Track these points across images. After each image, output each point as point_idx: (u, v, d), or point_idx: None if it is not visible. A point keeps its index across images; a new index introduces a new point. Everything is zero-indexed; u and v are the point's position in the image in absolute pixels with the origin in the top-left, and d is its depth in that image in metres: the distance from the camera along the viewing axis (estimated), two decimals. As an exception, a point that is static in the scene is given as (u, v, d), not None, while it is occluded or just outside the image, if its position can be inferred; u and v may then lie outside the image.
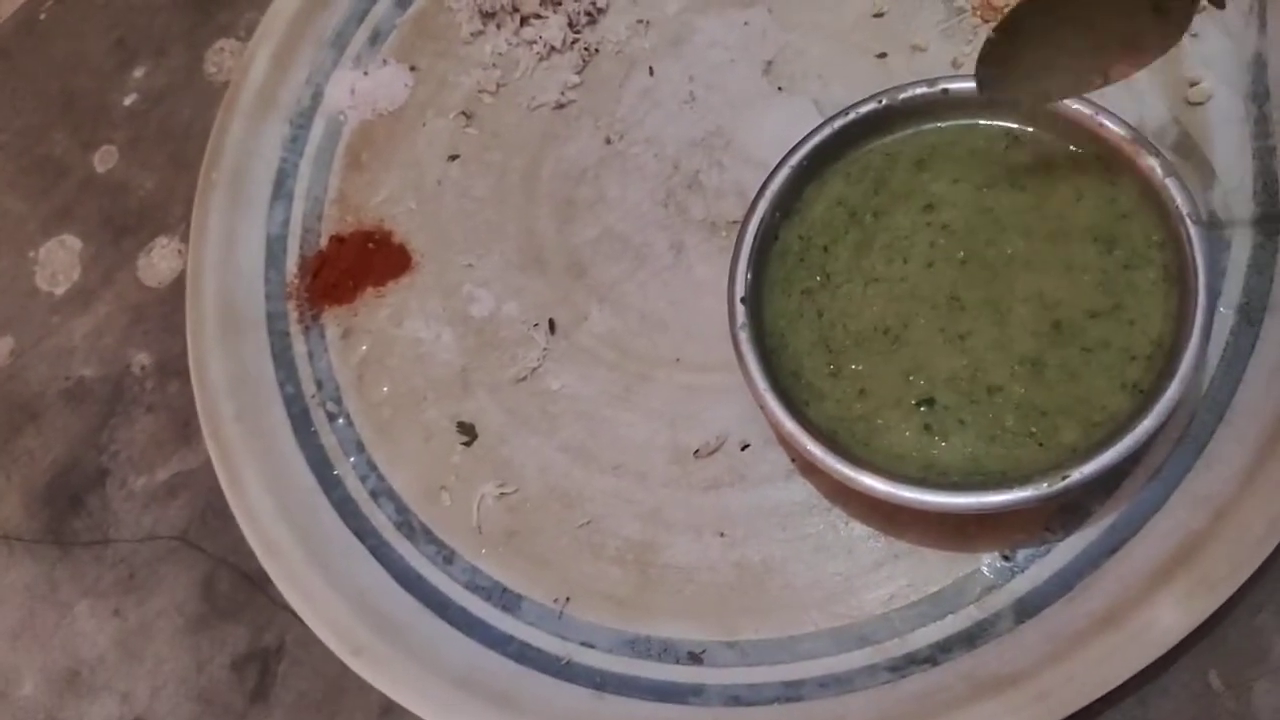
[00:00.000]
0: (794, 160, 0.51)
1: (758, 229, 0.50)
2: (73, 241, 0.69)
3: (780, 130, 0.55)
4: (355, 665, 0.51)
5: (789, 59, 0.59)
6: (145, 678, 0.57)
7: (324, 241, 0.63)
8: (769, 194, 0.50)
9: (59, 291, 0.68)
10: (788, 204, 0.51)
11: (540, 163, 0.61)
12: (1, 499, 0.63)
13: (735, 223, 0.56)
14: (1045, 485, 0.43)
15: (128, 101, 0.72)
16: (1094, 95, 0.47)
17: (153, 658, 0.57)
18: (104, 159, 0.71)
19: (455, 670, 0.50)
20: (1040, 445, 0.45)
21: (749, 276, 0.49)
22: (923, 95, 0.50)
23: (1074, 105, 0.48)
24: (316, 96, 0.66)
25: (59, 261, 0.69)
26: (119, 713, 0.56)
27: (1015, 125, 0.50)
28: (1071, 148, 0.49)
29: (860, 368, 0.48)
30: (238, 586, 0.57)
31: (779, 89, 0.58)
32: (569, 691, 0.50)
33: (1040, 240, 0.47)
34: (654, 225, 0.58)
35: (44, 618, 0.59)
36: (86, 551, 0.60)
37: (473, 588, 0.53)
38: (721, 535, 0.51)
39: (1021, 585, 0.47)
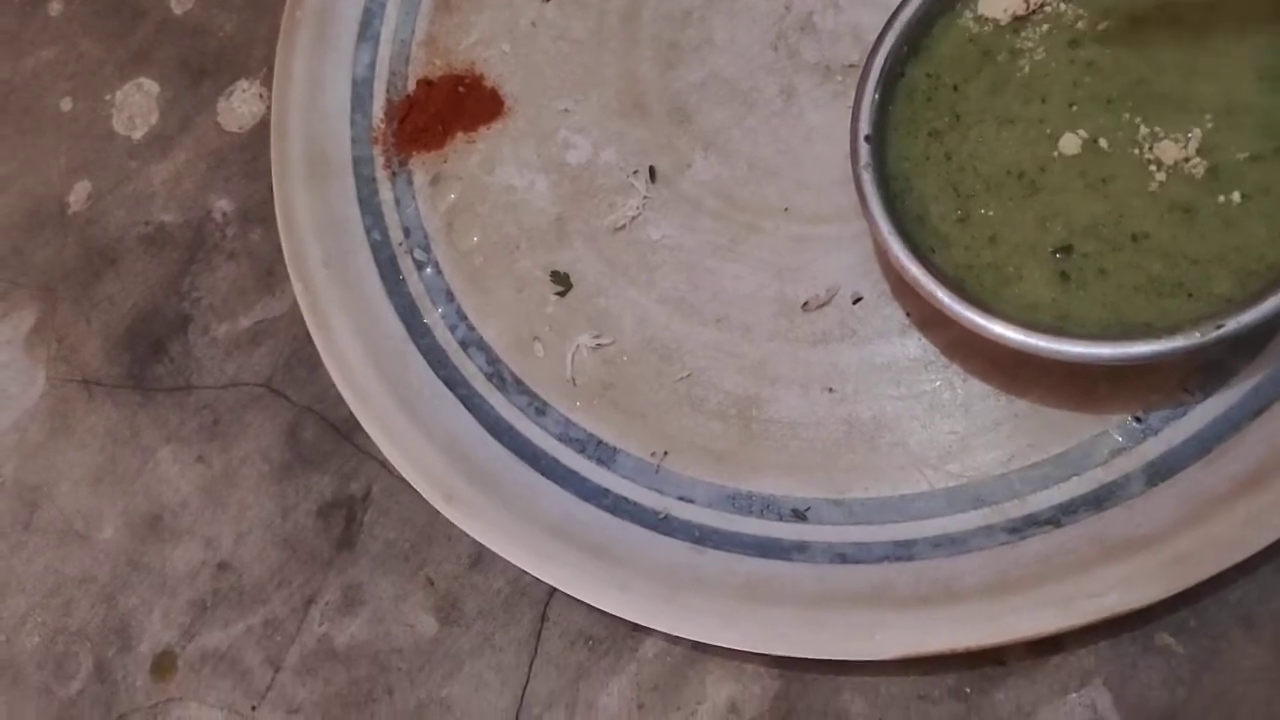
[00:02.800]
0: (923, -7, 0.47)
1: (884, 63, 0.47)
2: (150, 85, 0.67)
3: (903, -33, 0.51)
4: (447, 511, 0.49)
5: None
6: (229, 524, 0.56)
7: (411, 85, 0.60)
8: (897, 26, 0.47)
9: (137, 136, 0.66)
10: (916, 39, 0.47)
11: (641, 3, 0.58)
12: (81, 344, 0.62)
13: (851, 66, 0.53)
14: (1198, 335, 0.40)
15: (206, -59, 0.69)
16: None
17: (237, 504, 0.56)
18: (181, 1, 0.68)
19: (549, 519, 0.49)
20: (1190, 296, 0.41)
21: (874, 115, 0.46)
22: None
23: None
24: (403, -66, 0.63)
25: (136, 105, 0.67)
26: (202, 557, 0.56)
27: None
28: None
29: (991, 213, 0.45)
30: (323, 434, 0.56)
31: (902, -75, 0.54)
32: (667, 545, 0.48)
33: (1198, 78, 0.44)
34: (763, 69, 0.55)
35: (126, 462, 0.59)
36: (169, 397, 0.59)
37: (566, 440, 0.51)
38: (830, 390, 0.49)
39: (1154, 448, 0.44)
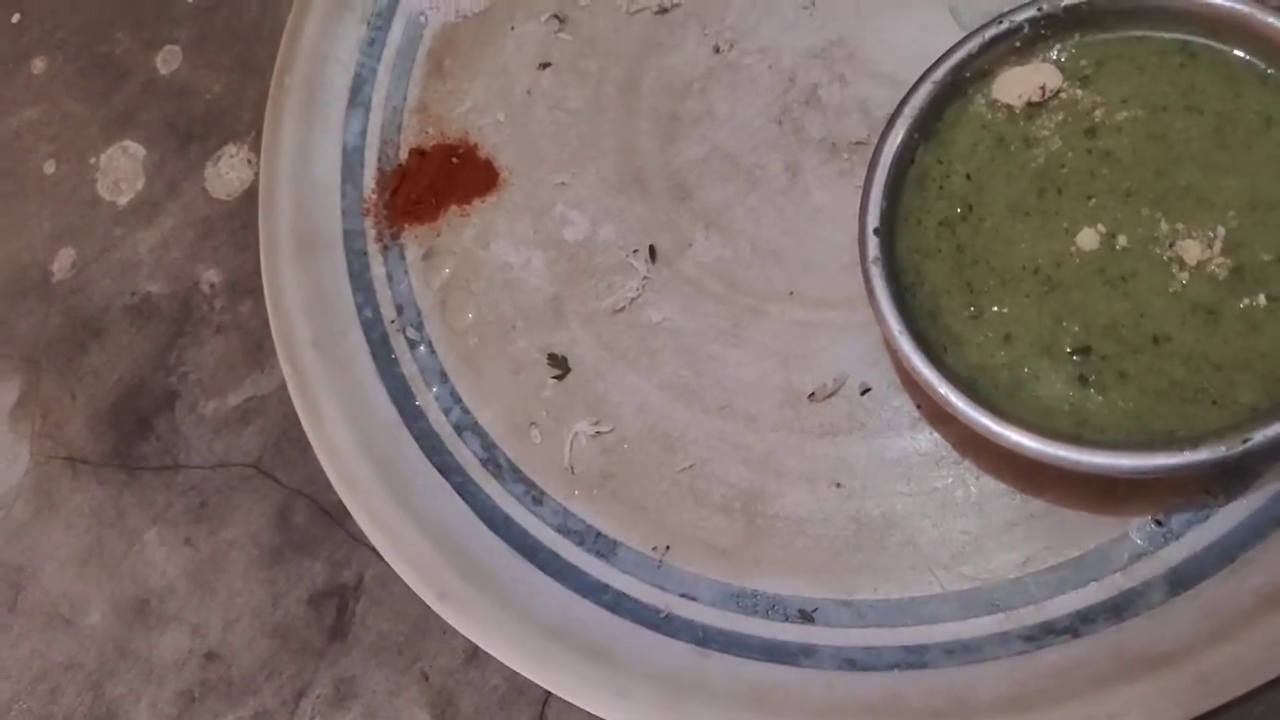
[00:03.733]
0: (937, 75, 0.45)
1: (894, 152, 0.45)
2: (136, 148, 0.65)
3: (911, 41, 0.50)
4: (441, 610, 0.48)
5: (921, -41, 0.53)
6: (218, 610, 0.54)
7: (404, 155, 0.58)
8: (908, 112, 0.45)
9: (122, 201, 0.64)
10: (927, 125, 0.46)
11: (640, 73, 0.56)
12: (66, 419, 0.60)
13: (858, 143, 0.51)
14: (1223, 448, 0.38)
15: (192, -2, 0.68)
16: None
17: (225, 590, 0.54)
18: (167, 60, 0.67)
19: (547, 618, 0.47)
20: (1214, 403, 0.40)
21: (883, 205, 0.44)
22: (1087, 2, 0.44)
23: (1259, 13, 0.42)
24: (395, -5, 0.61)
25: (122, 169, 0.65)
26: (190, 645, 0.54)
27: (1192, 37, 0.44)
28: (1257, 63, 0.43)
29: (1006, 310, 0.43)
30: (314, 519, 0.54)
31: (910, -6, 0.53)
32: (669, 646, 0.46)
33: (1220, 172, 0.42)
34: (767, 145, 0.53)
35: (112, 544, 0.57)
36: (156, 477, 0.57)
37: (564, 531, 0.50)
38: (838, 486, 0.47)
39: (1176, 554, 0.42)
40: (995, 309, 0.43)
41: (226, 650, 0.54)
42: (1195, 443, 0.39)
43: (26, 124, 0.68)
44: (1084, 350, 0.42)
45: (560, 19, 0.58)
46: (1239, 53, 0.43)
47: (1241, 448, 0.38)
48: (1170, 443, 0.39)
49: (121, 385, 0.60)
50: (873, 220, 0.44)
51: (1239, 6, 0.43)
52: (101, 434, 0.59)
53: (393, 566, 0.49)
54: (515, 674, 0.49)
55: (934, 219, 0.45)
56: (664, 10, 0.57)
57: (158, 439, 0.58)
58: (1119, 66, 0.44)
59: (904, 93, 0.46)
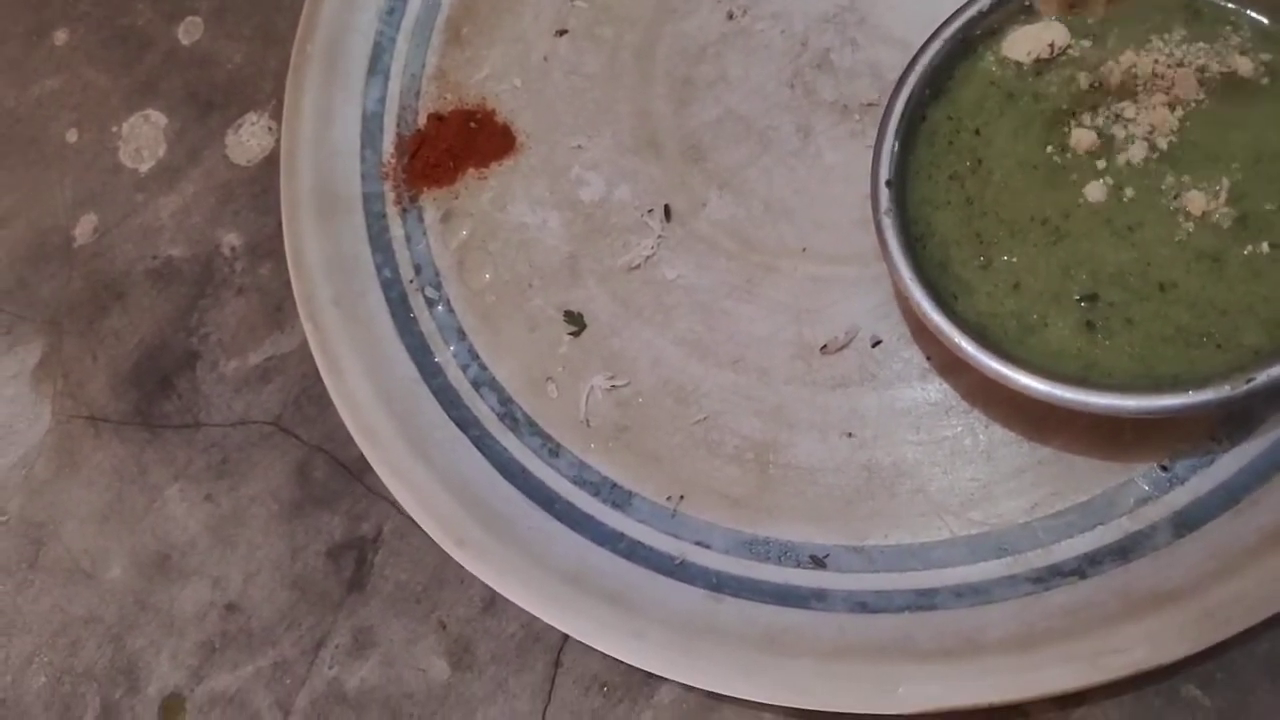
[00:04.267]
0: (947, 33, 0.47)
1: (905, 107, 0.46)
2: (158, 117, 0.66)
3: (921, 4, 0.51)
4: (460, 557, 0.49)
5: (933, -75, 0.54)
6: (238, 564, 0.55)
7: (422, 120, 0.59)
8: (918, 69, 0.46)
9: (144, 168, 0.65)
10: (938, 81, 0.47)
11: (656, 39, 0.57)
12: (88, 379, 0.61)
13: (869, 105, 0.52)
14: (1227, 388, 0.39)
15: (213, -30, 0.69)
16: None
17: (245, 544, 0.55)
18: (189, 30, 0.68)
19: (564, 565, 0.48)
20: (1218, 347, 0.41)
21: (895, 158, 0.46)
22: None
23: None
24: (414, -34, 0.62)
25: (144, 137, 0.66)
26: (210, 598, 0.55)
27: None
28: (1261, 19, 0.44)
29: (1014, 260, 0.44)
30: (333, 474, 0.55)
31: (919, -39, 0.54)
32: (683, 591, 0.47)
33: (1224, 126, 0.43)
34: (779, 107, 0.54)
35: (133, 501, 0.58)
36: (177, 435, 0.58)
37: (580, 483, 0.51)
38: (849, 435, 0.48)
39: (1181, 497, 0.44)
40: (1004, 258, 0.44)
41: (246, 602, 0.54)
42: (1200, 384, 0.40)
43: (49, 93, 0.69)
44: (1091, 297, 0.43)
45: (577, -13, 0.60)
46: (1243, 9, 0.44)
47: (1245, 387, 0.39)
48: (1175, 385, 0.40)
49: (143, 346, 0.61)
50: (885, 173, 0.45)
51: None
52: (123, 393, 0.60)
53: (412, 516, 0.50)
54: (531, 621, 0.50)
55: (944, 172, 0.46)
56: (679, -22, 0.58)
57: (179, 398, 0.59)
58: (1126, 24, 0.46)
59: (913, 54, 0.47)
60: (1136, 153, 0.43)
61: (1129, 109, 0.44)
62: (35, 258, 0.65)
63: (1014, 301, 0.44)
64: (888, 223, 0.45)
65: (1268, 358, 0.39)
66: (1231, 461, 0.43)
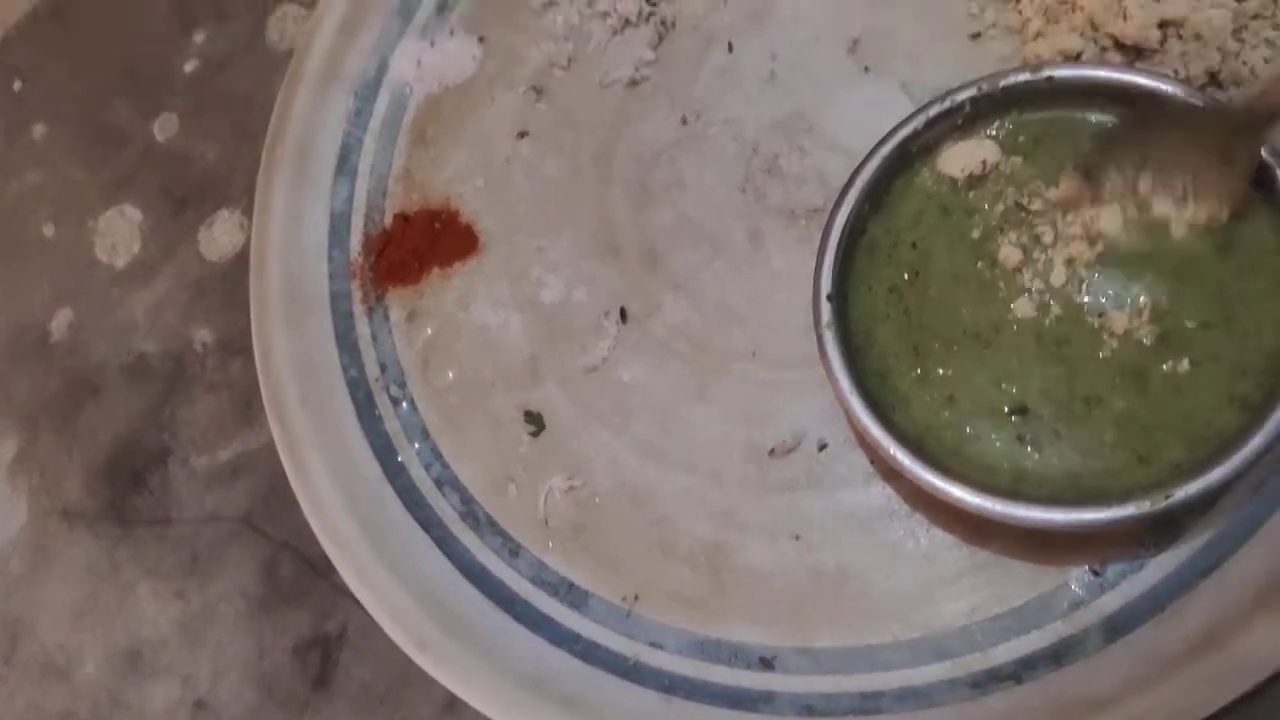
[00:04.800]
0: (885, 150, 0.48)
1: (846, 222, 0.48)
2: (133, 212, 0.68)
3: (865, 114, 0.53)
4: (420, 660, 0.50)
5: (876, 37, 0.56)
6: (207, 661, 0.56)
7: (388, 219, 0.61)
8: (859, 184, 0.48)
9: (119, 264, 0.67)
10: (877, 196, 0.49)
11: (613, 142, 0.59)
12: (62, 475, 0.62)
13: (816, 211, 0.54)
14: (1148, 504, 0.41)
15: (189, 68, 0.71)
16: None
17: (215, 641, 0.57)
18: (164, 127, 0.70)
19: (522, 668, 0.49)
20: (1141, 460, 0.43)
21: (836, 271, 0.47)
22: (1025, 83, 0.47)
23: (1182, 93, 0.45)
24: (382, 68, 0.64)
25: (119, 232, 0.68)
26: (181, 695, 0.56)
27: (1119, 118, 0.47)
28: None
29: (949, 373, 0.46)
30: (300, 572, 0.57)
31: (865, 69, 0.56)
32: (637, 693, 0.49)
33: (1145, 247, 0.45)
34: (731, 212, 0.56)
35: (106, 597, 0.59)
36: (148, 531, 0.60)
37: (539, 583, 0.52)
38: (796, 538, 0.50)
39: (1111, 602, 0.45)
40: (939, 371, 0.46)
41: (215, 700, 0.56)
42: (1123, 498, 0.41)
43: (28, 188, 0.71)
44: (1021, 410, 0.44)
45: (538, 90, 0.61)
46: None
47: (1164, 504, 0.41)
48: (1100, 498, 0.42)
49: (117, 442, 0.62)
50: (825, 286, 0.47)
51: (1163, 86, 0.46)
52: (97, 489, 0.62)
53: (374, 617, 0.52)
54: (491, 721, 0.51)
55: (883, 285, 0.48)
56: (634, 83, 0.60)
57: (151, 493, 0.60)
58: (1054, 142, 0.47)
59: (858, 163, 0.49)
60: (1058, 276, 0.45)
61: (1048, 234, 0.46)
62: (13, 354, 0.66)
63: (949, 414, 0.45)
64: (828, 336, 0.47)
65: (1187, 473, 0.41)
66: (1160, 567, 0.45)
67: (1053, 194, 0.46)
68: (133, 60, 0.73)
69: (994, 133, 0.48)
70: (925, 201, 0.49)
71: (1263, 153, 0.43)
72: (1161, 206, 0.45)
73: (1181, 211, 0.44)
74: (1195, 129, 0.44)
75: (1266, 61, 0.50)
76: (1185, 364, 0.43)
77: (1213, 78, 0.50)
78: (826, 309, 0.47)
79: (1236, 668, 0.41)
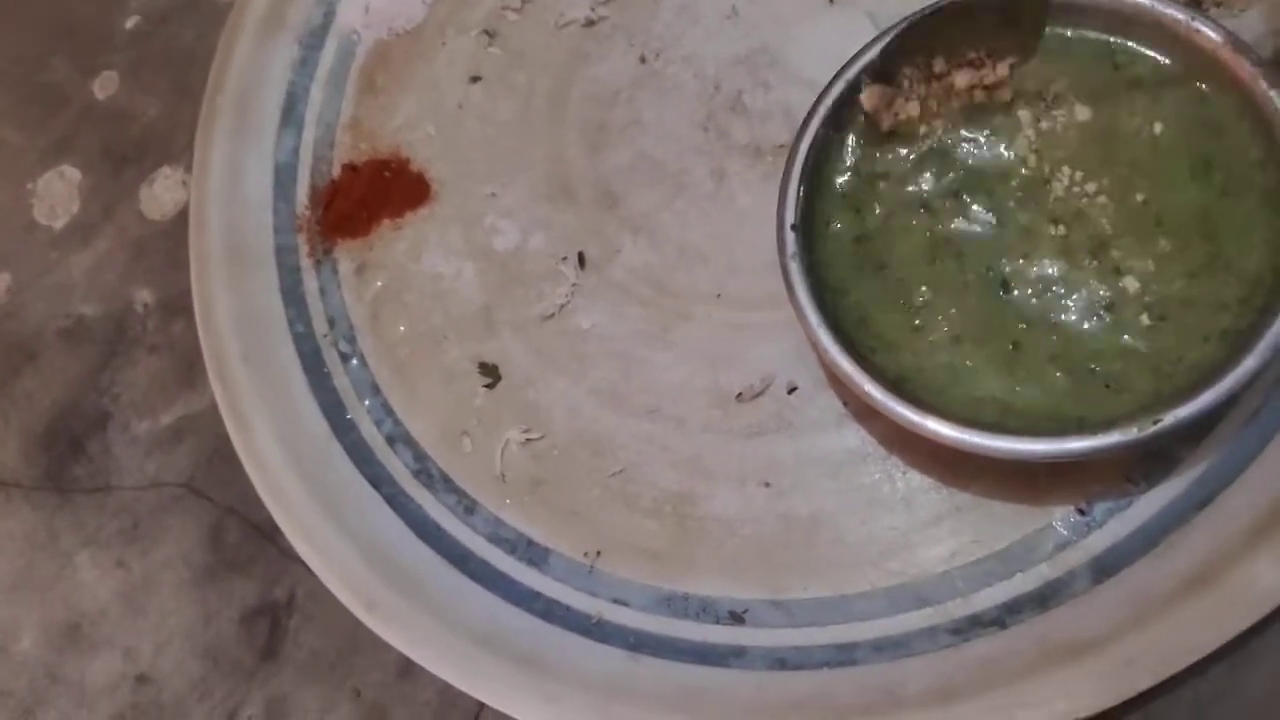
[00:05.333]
0: (850, 74, 0.46)
1: (810, 147, 0.45)
2: (72, 173, 0.65)
3: (831, 46, 0.50)
4: (369, 621, 0.47)
5: (841, -33, 0.54)
6: (149, 632, 0.53)
7: (336, 170, 0.58)
8: (822, 109, 0.46)
9: (58, 225, 0.64)
10: (841, 120, 0.46)
11: (569, 84, 0.56)
12: (-1, 443, 0.59)
13: (782, 147, 0.52)
14: (1134, 430, 0.38)
15: (129, 24, 0.68)
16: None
17: (157, 611, 0.54)
18: (104, 85, 0.67)
19: (478, 628, 0.47)
20: (1106, 387, 0.40)
21: (800, 201, 0.45)
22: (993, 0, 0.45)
23: (1164, 8, 0.43)
24: (328, 15, 0.61)
25: (58, 194, 0.65)
26: (122, 669, 0.53)
27: (1094, 34, 0.45)
28: (1158, 58, 0.44)
29: (952, 312, 0.44)
30: (246, 537, 0.54)
31: (829, 1, 0.53)
32: (601, 652, 0.46)
33: (1122, 167, 0.43)
34: (693, 150, 0.53)
35: (43, 568, 0.56)
36: (88, 499, 0.57)
37: (496, 540, 0.49)
38: (766, 485, 0.47)
39: (1099, 542, 0.43)
40: (939, 316, 0.44)
41: (158, 673, 0.53)
42: (1108, 426, 0.39)
43: (-37, 152, 0.67)
44: (1016, 344, 0.42)
45: (490, 34, 0.59)
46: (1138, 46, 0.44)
47: (1153, 429, 0.38)
48: (1083, 427, 0.39)
49: (55, 408, 0.59)
50: (790, 217, 0.45)
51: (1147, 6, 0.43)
52: (34, 457, 0.58)
53: (321, 578, 0.49)
54: (448, 686, 0.48)
55: (850, 235, 0.46)
56: (591, 23, 0.57)
57: (90, 461, 0.57)
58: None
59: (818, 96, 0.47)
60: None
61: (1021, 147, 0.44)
62: (-54, 320, 0.63)
63: (948, 355, 0.43)
64: (795, 267, 0.44)
65: (1173, 400, 0.39)
66: (1149, 504, 0.42)
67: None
68: (71, 18, 0.70)
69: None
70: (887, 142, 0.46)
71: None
72: (962, 79, 0.44)
73: (982, 73, 0.44)
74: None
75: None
76: (1155, 317, 0.41)
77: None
78: (792, 239, 0.45)
79: (1233, 604, 0.39)
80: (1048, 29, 0.45)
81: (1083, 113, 0.44)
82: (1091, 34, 0.45)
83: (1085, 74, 0.44)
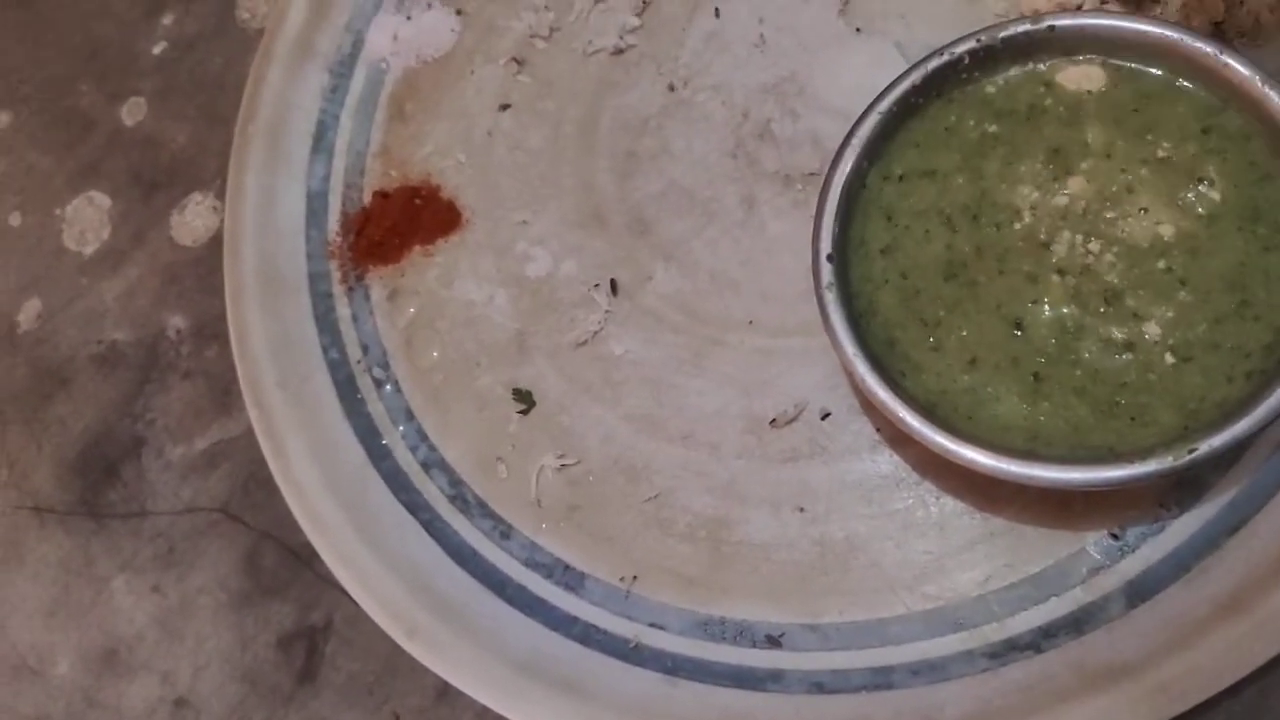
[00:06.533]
0: (883, 106, 0.47)
1: (845, 179, 0.46)
2: (101, 199, 0.66)
3: (859, 75, 0.51)
4: (410, 648, 0.48)
5: (868, -4, 0.54)
6: (187, 657, 0.54)
7: (367, 198, 0.59)
8: (857, 140, 0.46)
9: (88, 251, 0.64)
10: (875, 152, 0.47)
11: (598, 112, 0.57)
12: (32, 469, 0.60)
13: (811, 175, 0.52)
14: (1170, 459, 0.39)
15: (156, 50, 0.68)
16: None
17: (194, 636, 0.54)
18: (132, 111, 0.67)
19: (516, 653, 0.47)
20: (1132, 420, 0.41)
21: (835, 231, 0.45)
22: (1025, 33, 0.46)
23: (1194, 42, 0.44)
24: (357, 43, 0.62)
25: (87, 219, 0.65)
26: (160, 693, 0.54)
27: (1133, 64, 0.45)
28: (1188, 85, 0.45)
29: (966, 335, 0.44)
30: (282, 562, 0.54)
31: (857, 30, 0.54)
32: (638, 676, 0.46)
33: (1159, 200, 0.43)
34: (723, 178, 0.54)
35: (79, 593, 0.57)
36: (123, 524, 0.57)
37: (532, 565, 0.50)
38: (801, 510, 0.48)
39: (1133, 566, 0.43)
40: (956, 335, 0.44)
41: (195, 697, 0.53)
42: (1142, 456, 0.40)
43: (-8, 177, 0.68)
44: (1036, 374, 0.43)
45: (519, 62, 0.59)
46: (1172, 77, 0.45)
47: (1188, 458, 0.39)
48: (1119, 456, 0.40)
49: (88, 434, 0.60)
50: (825, 246, 0.45)
51: (1168, 33, 0.44)
52: (68, 483, 0.59)
53: (360, 605, 0.49)
54: (485, 710, 0.49)
55: (877, 246, 0.46)
56: (619, 51, 0.58)
57: (124, 486, 0.58)
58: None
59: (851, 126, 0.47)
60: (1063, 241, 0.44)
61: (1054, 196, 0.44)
62: (-22, 346, 0.64)
63: (969, 378, 0.43)
64: (830, 297, 0.45)
65: (1207, 430, 0.39)
66: (1182, 528, 0.43)
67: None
68: (98, 44, 0.70)
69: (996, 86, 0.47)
70: (925, 155, 0.47)
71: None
72: None
73: None
74: None
75: (1271, 11, 0.49)
76: (1179, 358, 0.41)
77: (1217, 27, 0.49)
78: (827, 269, 0.45)
79: (1266, 629, 0.40)
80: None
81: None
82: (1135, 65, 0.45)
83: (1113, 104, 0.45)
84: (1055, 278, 0.44)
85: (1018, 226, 0.45)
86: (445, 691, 0.50)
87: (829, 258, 0.45)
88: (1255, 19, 0.49)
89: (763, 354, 0.50)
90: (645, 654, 0.47)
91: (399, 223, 0.58)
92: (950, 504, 0.46)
